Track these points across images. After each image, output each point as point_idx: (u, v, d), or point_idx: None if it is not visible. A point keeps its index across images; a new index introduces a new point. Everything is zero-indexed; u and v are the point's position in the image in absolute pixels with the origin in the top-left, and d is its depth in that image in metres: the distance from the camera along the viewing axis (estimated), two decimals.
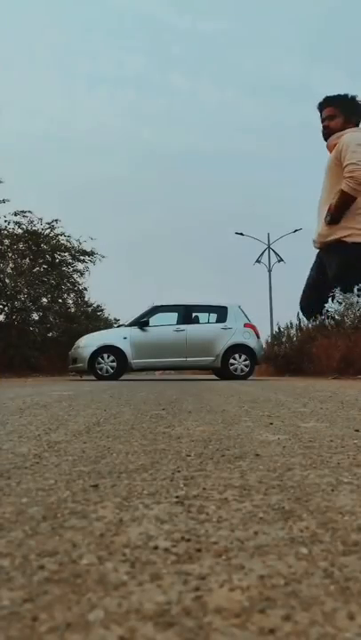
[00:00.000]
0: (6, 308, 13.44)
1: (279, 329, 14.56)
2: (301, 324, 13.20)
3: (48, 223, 14.28)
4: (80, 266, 15.19)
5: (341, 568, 0.51)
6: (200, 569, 0.50)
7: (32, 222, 13.88)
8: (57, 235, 14.44)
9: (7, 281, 13.45)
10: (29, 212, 13.74)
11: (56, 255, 14.48)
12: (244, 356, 8.15)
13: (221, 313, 8.40)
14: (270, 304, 21.36)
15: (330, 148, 4.88)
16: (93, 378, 8.43)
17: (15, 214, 13.53)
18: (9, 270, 13.62)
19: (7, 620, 0.40)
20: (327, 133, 4.41)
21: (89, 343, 8.43)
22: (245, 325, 8.58)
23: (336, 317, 13.08)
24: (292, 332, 13.54)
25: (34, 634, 0.38)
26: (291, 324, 13.72)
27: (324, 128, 4.38)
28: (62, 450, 1.20)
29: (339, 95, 4.63)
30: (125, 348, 8.17)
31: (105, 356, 8.23)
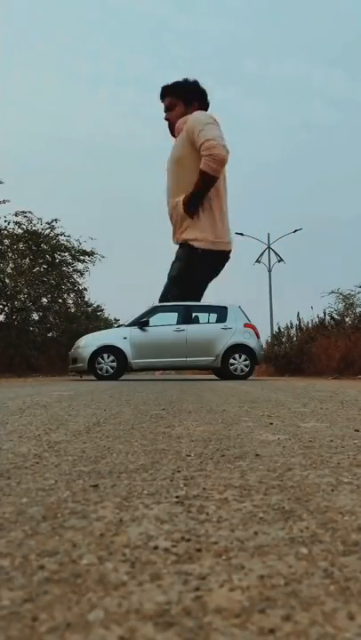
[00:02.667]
0: (6, 308, 13.44)
1: (279, 329, 14.58)
2: (301, 324, 13.20)
3: (48, 223, 14.29)
4: (80, 266, 15.20)
5: (341, 568, 0.51)
6: (200, 569, 0.50)
7: (31, 222, 13.89)
8: (57, 235, 14.46)
9: (7, 281, 13.45)
10: (29, 212, 13.76)
11: (56, 255, 14.49)
12: (244, 356, 8.15)
13: (221, 313, 8.40)
14: (270, 304, 21.38)
15: (177, 133, 4.21)
16: (93, 378, 8.43)
17: (15, 214, 13.54)
18: (9, 270, 13.63)
19: (7, 620, 0.40)
20: (170, 125, 4.06)
21: (89, 343, 8.43)
22: (245, 325, 8.58)
23: (336, 317, 13.09)
24: (292, 331, 13.56)
25: (34, 634, 0.38)
26: (291, 324, 13.74)
27: (167, 120, 4.05)
28: (62, 450, 1.20)
29: (177, 82, 3.99)
30: (125, 347, 8.16)
31: (105, 355, 8.22)
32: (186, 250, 5.09)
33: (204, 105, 3.72)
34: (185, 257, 5.31)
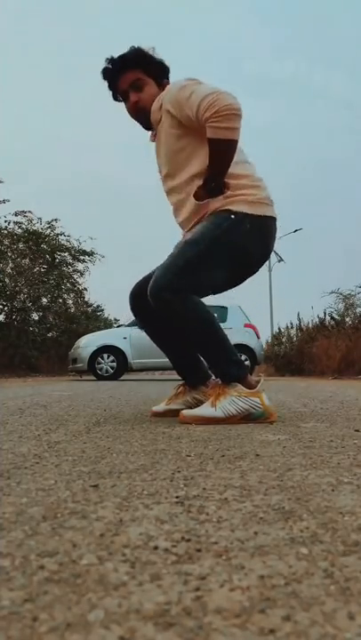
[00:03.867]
0: (6, 308, 13.44)
1: (279, 329, 14.59)
2: (301, 325, 13.21)
3: (48, 222, 14.29)
4: (80, 266, 15.21)
5: (342, 568, 0.50)
6: (200, 569, 0.50)
7: (31, 222, 13.88)
8: (57, 235, 14.46)
9: (7, 281, 13.45)
10: (29, 212, 13.76)
11: (56, 255, 14.49)
12: (244, 357, 8.15)
13: (221, 313, 8.40)
14: (270, 304, 21.38)
15: (156, 124, 2.07)
16: (93, 378, 8.43)
17: (15, 214, 13.54)
18: (9, 270, 13.63)
19: (7, 620, 0.40)
20: (139, 110, 2.04)
21: (89, 343, 8.43)
22: (245, 325, 8.58)
23: (336, 317, 13.09)
24: (293, 332, 13.58)
25: (34, 634, 0.38)
26: (291, 324, 13.75)
27: (134, 105, 2.01)
28: (62, 450, 1.20)
29: (136, 50, 2.04)
30: (125, 348, 8.17)
31: (105, 355, 8.22)
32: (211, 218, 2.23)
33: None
34: (211, 221, 2.21)
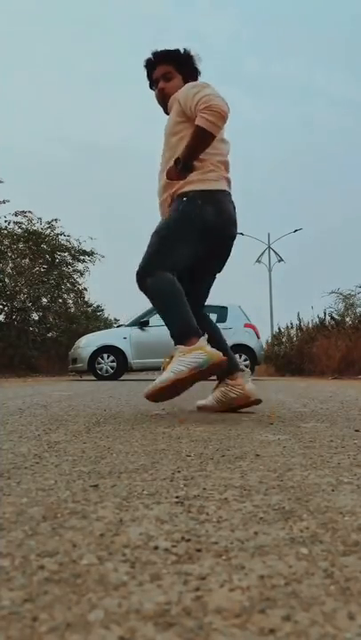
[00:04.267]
0: (6, 308, 13.44)
1: (279, 329, 14.59)
2: (301, 325, 13.21)
3: (48, 222, 14.28)
4: (80, 266, 15.21)
5: (342, 568, 0.50)
6: (200, 569, 0.50)
7: (31, 222, 13.88)
8: (57, 234, 14.45)
9: (7, 281, 13.45)
10: (29, 212, 13.76)
11: (56, 255, 14.49)
12: (244, 356, 8.15)
13: (222, 313, 8.40)
14: (270, 304, 21.39)
15: (169, 110, 2.33)
16: (93, 378, 8.43)
17: (15, 214, 13.54)
18: (9, 270, 13.63)
19: (7, 620, 0.40)
20: (164, 97, 2.55)
21: (89, 343, 8.42)
22: (246, 325, 8.58)
23: (336, 317, 13.09)
24: (293, 332, 13.58)
25: (34, 634, 0.38)
26: (291, 324, 13.75)
27: (160, 91, 2.55)
28: (62, 450, 1.20)
29: (176, 51, 2.61)
30: (125, 347, 8.16)
31: (105, 356, 8.22)
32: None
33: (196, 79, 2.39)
34: (172, 209, 2.20)
